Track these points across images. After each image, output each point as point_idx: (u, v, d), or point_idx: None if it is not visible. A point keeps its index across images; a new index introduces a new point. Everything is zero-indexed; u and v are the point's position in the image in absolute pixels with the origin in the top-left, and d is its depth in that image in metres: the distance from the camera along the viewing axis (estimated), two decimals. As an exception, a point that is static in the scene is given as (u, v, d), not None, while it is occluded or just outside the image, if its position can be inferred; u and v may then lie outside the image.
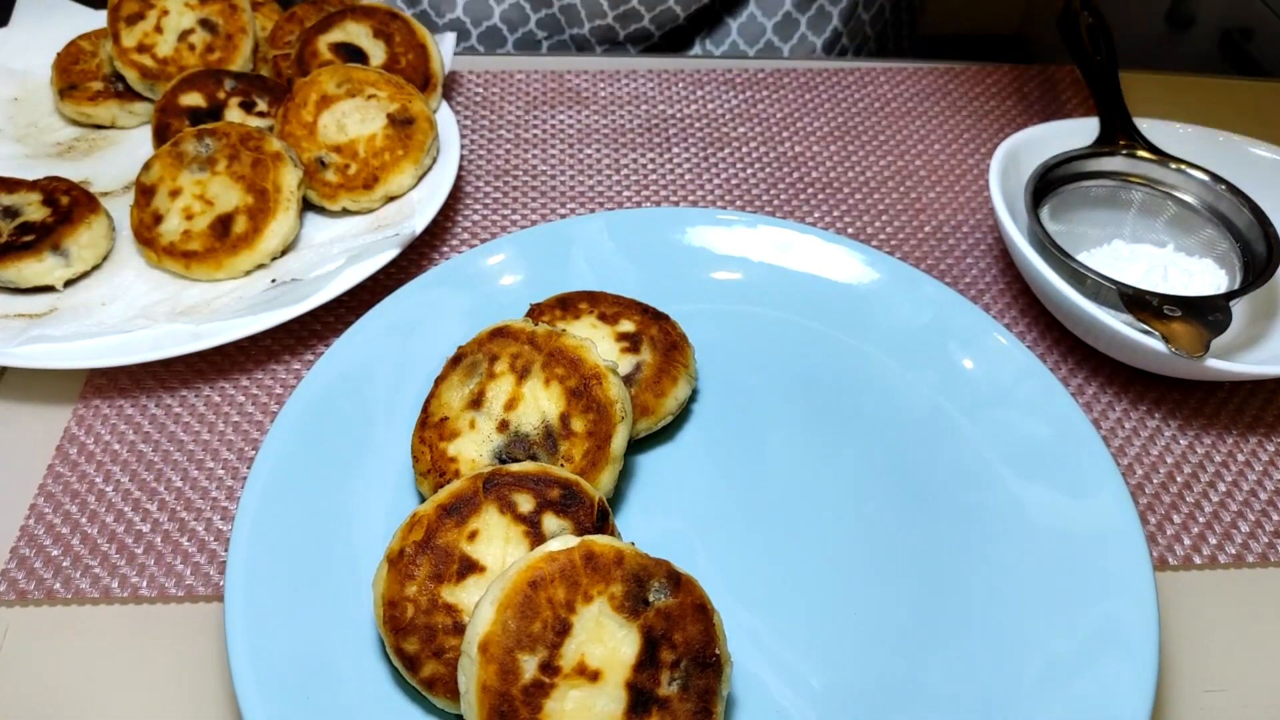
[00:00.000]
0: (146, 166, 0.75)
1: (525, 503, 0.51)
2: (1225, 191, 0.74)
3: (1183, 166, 0.76)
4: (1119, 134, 0.79)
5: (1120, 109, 0.81)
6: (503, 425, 0.57)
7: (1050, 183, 0.76)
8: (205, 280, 0.72)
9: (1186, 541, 0.62)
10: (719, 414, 0.65)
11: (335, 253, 0.72)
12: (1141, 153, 0.78)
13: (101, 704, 0.53)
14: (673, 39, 1.13)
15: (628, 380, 0.61)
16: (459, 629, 0.49)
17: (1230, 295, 0.66)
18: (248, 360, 0.71)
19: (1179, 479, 0.66)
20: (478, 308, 0.68)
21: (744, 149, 0.91)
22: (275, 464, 0.57)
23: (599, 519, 0.52)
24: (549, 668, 0.45)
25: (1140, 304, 0.65)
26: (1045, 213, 0.74)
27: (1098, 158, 0.78)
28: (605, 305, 0.66)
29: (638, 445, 0.63)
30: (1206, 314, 0.64)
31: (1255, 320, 0.72)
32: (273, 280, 0.71)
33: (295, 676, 0.49)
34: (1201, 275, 0.72)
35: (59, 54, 0.89)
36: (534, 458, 0.56)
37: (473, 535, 0.51)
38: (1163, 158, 0.77)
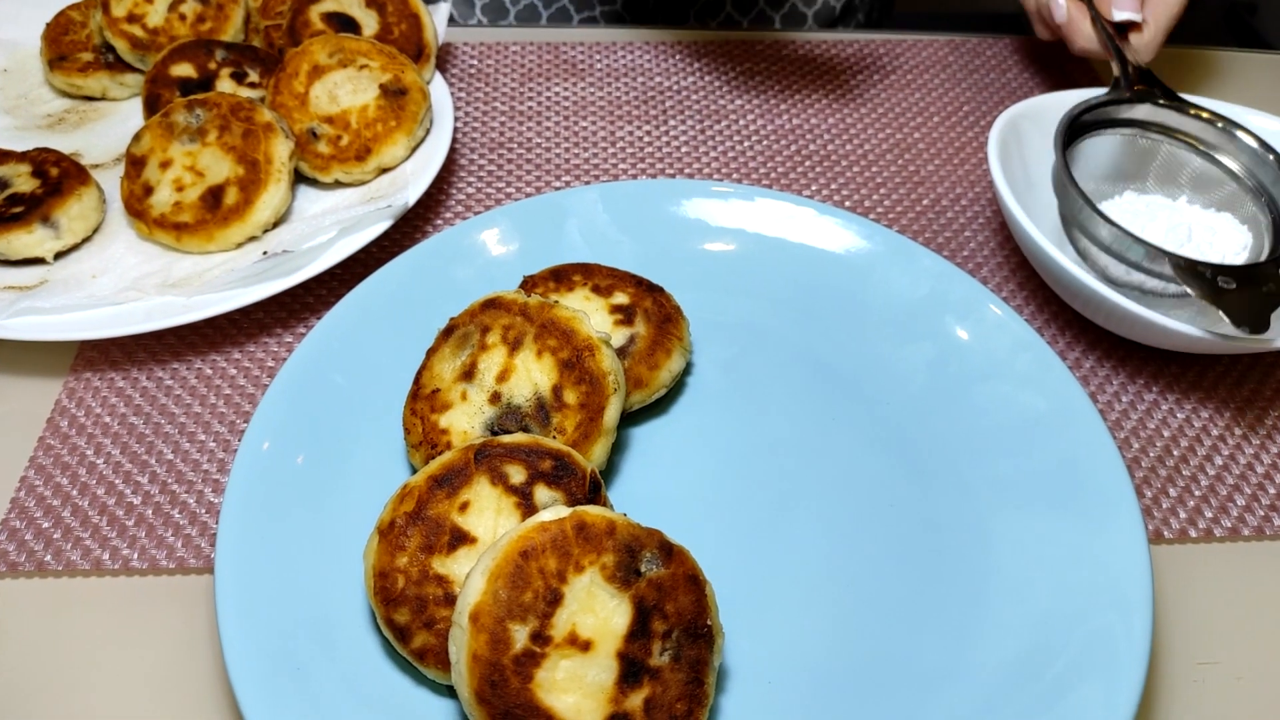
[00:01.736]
0: (137, 137, 0.75)
1: (517, 474, 0.51)
2: (1248, 142, 0.71)
3: (1202, 114, 0.73)
4: (1136, 79, 0.76)
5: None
6: (495, 397, 0.57)
7: (1071, 136, 0.73)
8: (196, 252, 0.72)
9: (1182, 514, 0.62)
10: (714, 387, 0.65)
11: (327, 224, 0.71)
12: (1161, 101, 0.74)
13: (92, 676, 0.53)
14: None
15: (621, 352, 0.61)
16: (450, 600, 0.48)
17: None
18: (239, 333, 0.70)
19: (1176, 452, 0.65)
20: (471, 280, 0.68)
21: (741, 121, 0.90)
22: (266, 436, 0.57)
23: (591, 490, 0.52)
24: (540, 638, 0.44)
25: (1193, 275, 0.62)
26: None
27: (1117, 105, 0.75)
28: (599, 277, 0.65)
29: (631, 418, 0.62)
30: (1262, 284, 0.61)
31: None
32: (264, 252, 0.70)
33: (286, 648, 0.49)
34: (1225, 233, 0.70)
35: (48, 24, 0.88)
36: (526, 429, 0.56)
37: (464, 506, 0.50)
38: (1183, 105, 0.74)
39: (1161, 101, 0.75)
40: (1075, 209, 0.68)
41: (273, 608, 0.50)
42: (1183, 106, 0.75)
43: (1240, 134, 0.73)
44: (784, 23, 1.13)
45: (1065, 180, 0.69)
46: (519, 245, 0.70)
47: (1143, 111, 0.76)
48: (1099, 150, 0.76)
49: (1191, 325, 0.62)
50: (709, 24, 1.12)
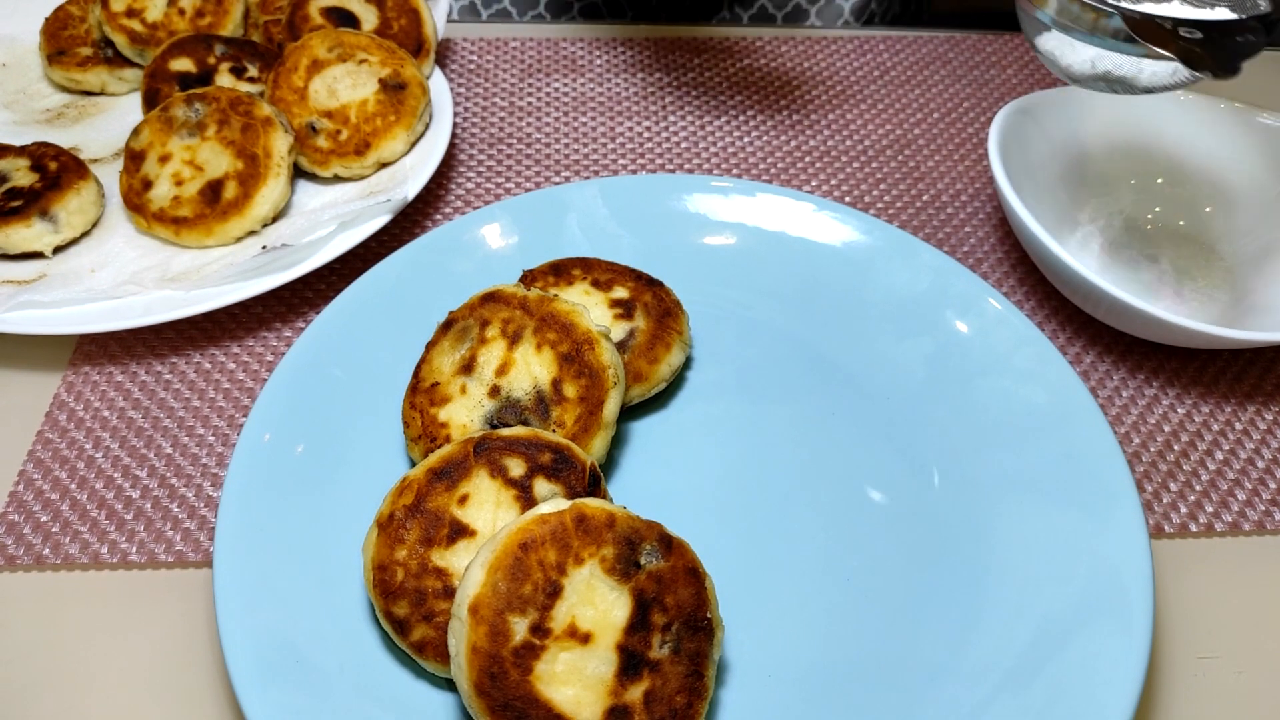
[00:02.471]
0: (136, 132, 0.75)
1: (516, 467, 0.51)
2: None
3: None
4: None
5: None
6: (494, 390, 0.57)
7: None
8: (195, 247, 0.71)
9: (1183, 509, 0.62)
10: (713, 381, 0.65)
11: (327, 219, 0.71)
12: None
13: (91, 670, 0.53)
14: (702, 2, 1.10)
15: (621, 346, 0.61)
16: (449, 593, 0.48)
17: (1271, 16, 0.54)
18: (238, 327, 0.70)
19: (1176, 447, 0.65)
20: (470, 274, 0.68)
21: (741, 117, 0.90)
22: (265, 429, 0.57)
23: (590, 484, 0.52)
24: (539, 630, 0.44)
25: (1151, 30, 0.53)
26: None
27: None
28: (599, 271, 0.65)
29: (631, 412, 0.62)
30: (1234, 34, 0.53)
31: (1254, 286, 0.71)
32: (263, 247, 0.70)
33: (284, 641, 0.49)
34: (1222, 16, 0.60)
35: (47, 19, 0.87)
36: (525, 423, 0.55)
37: (463, 499, 0.50)
38: None
39: None
40: None
41: (271, 601, 0.50)
42: None
43: None
44: None
45: None
46: (518, 239, 0.70)
47: None
48: None
49: (1193, 321, 0.61)
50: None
